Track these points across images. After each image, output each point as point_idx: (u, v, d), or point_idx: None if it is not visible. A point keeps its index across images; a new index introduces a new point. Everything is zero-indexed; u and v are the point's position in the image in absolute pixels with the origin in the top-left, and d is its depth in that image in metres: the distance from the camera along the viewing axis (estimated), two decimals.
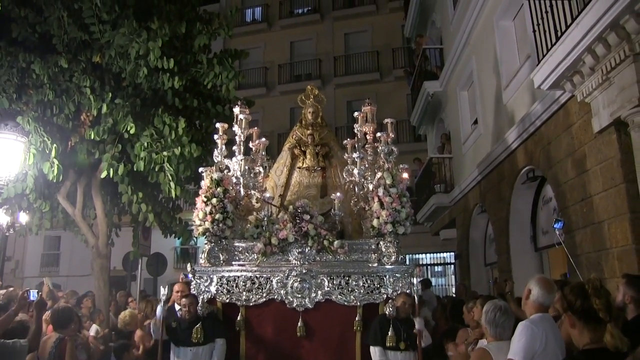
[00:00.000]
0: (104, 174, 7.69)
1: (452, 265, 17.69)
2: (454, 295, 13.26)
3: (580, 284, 2.65)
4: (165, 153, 7.53)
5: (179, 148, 7.57)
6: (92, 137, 7.59)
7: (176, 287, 6.31)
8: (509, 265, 8.78)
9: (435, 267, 19.60)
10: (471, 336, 4.67)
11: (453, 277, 17.80)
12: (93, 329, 7.03)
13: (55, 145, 7.47)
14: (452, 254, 15.85)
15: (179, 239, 10.13)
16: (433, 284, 14.67)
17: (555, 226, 4.73)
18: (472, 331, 5.01)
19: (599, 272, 5.66)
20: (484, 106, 10.15)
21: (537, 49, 6.24)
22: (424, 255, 18.69)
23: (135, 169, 7.72)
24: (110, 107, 7.48)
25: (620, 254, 5.26)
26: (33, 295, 5.10)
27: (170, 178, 7.58)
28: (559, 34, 5.51)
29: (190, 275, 6.10)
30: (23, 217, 9.23)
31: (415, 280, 5.59)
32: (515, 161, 8.39)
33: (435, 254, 19.02)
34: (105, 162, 7.58)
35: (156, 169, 7.64)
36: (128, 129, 7.44)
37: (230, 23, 8.58)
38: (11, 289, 6.66)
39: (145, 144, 7.50)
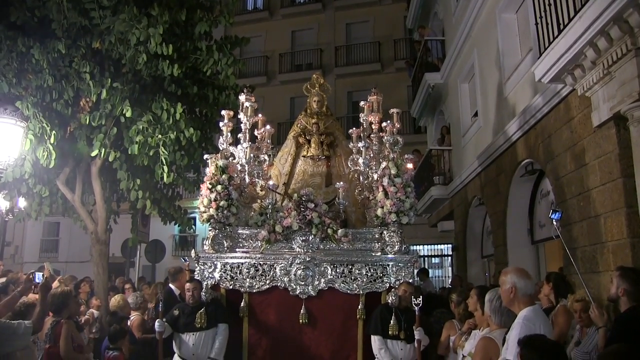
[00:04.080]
0: (94, 153, 7.66)
1: (450, 257, 17.75)
2: (450, 287, 13.32)
3: None
4: (160, 136, 7.50)
5: (175, 133, 7.54)
6: (88, 123, 7.56)
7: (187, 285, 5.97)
8: (505, 257, 8.82)
9: (433, 259, 19.70)
10: (465, 326, 4.71)
11: (450, 269, 17.86)
12: (90, 315, 7.06)
13: (54, 131, 7.45)
14: (450, 245, 15.89)
15: (178, 226, 10.15)
16: (430, 275, 14.71)
17: (552, 216, 4.70)
18: (458, 322, 5.06)
19: (594, 266, 5.70)
20: (484, 99, 10.14)
21: (539, 42, 6.21)
22: (421, 247, 18.74)
23: (129, 152, 7.70)
24: (110, 92, 7.45)
25: (615, 248, 5.28)
26: (38, 277, 5.13)
27: (164, 162, 7.55)
28: (561, 27, 5.49)
29: (187, 259, 6.09)
30: (22, 202, 9.22)
31: (415, 271, 5.61)
32: (515, 154, 8.39)
33: (432, 246, 19.09)
34: (97, 142, 7.56)
35: (150, 153, 7.62)
36: (124, 113, 7.42)
37: (231, 10, 8.54)
38: (8, 274, 6.69)
39: (141, 128, 7.47)
